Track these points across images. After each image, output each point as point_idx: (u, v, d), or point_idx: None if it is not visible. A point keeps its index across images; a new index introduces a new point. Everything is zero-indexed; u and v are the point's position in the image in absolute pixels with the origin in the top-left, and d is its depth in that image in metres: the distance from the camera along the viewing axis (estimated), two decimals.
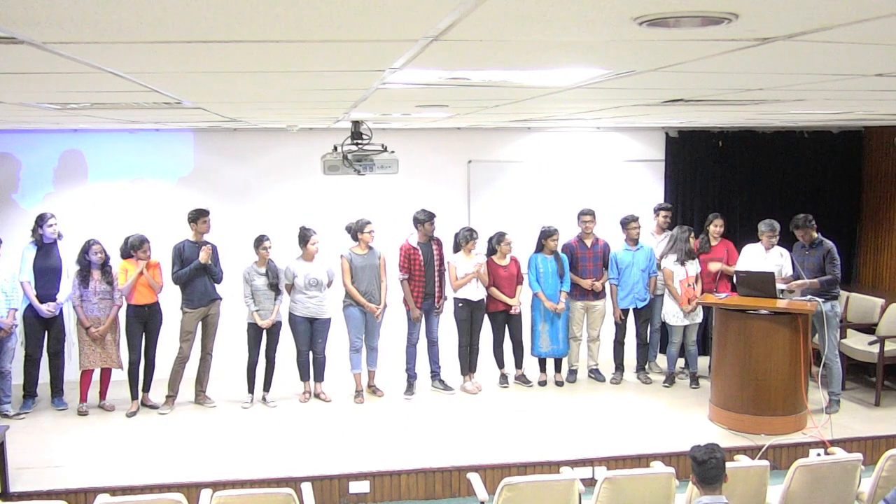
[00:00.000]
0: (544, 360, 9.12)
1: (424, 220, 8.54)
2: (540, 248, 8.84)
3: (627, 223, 8.98)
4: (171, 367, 8.28)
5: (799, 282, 7.94)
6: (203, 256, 8.11)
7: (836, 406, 8.08)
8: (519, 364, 9.08)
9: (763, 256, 8.48)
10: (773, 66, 3.05)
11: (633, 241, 8.98)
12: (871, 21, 2.00)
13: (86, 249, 8.02)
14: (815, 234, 8.00)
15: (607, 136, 10.11)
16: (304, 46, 2.46)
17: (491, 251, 8.81)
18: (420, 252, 8.54)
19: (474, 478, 5.82)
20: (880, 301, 9.14)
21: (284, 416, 8.17)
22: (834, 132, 10.45)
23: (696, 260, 8.83)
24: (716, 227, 9.09)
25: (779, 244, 8.46)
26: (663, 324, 9.11)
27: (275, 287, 8.23)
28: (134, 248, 8.03)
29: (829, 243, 7.99)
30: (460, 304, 8.72)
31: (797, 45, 2.36)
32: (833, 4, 1.85)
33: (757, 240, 8.52)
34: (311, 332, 8.43)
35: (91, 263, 8.04)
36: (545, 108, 6.01)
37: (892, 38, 2.32)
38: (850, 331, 8.99)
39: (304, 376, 8.61)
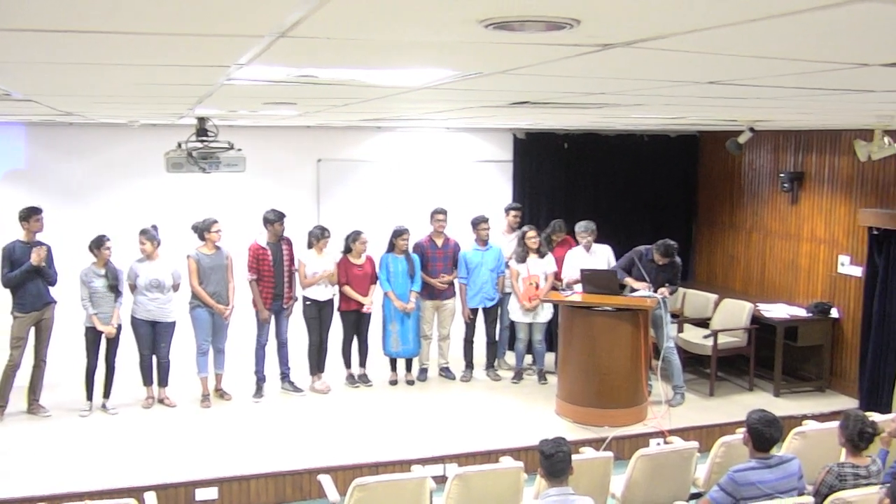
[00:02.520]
0: (395, 359, 9.15)
1: (274, 219, 8.40)
2: (391, 247, 8.86)
3: (478, 224, 9.11)
4: (0, 376, 7.81)
5: (662, 290, 8.23)
6: (35, 258, 7.67)
7: (680, 398, 8.47)
8: (362, 363, 9.08)
9: (587, 258, 8.81)
10: (614, 72, 3.16)
11: (483, 241, 9.12)
12: (704, 31, 2.11)
13: None
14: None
15: (457, 137, 10.24)
16: (144, 39, 2.36)
17: (347, 249, 8.76)
18: (269, 252, 8.40)
19: (325, 479, 5.77)
20: (714, 297, 9.65)
21: (126, 423, 7.85)
22: (671, 136, 10.96)
23: (548, 258, 9.04)
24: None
25: (611, 246, 8.84)
26: (511, 322, 9.32)
27: (115, 289, 7.89)
28: None
29: (678, 261, 8.42)
30: (308, 304, 8.63)
31: (636, 51, 2.45)
32: (668, 14, 1.93)
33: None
34: (153, 336, 8.14)
35: None
36: (394, 108, 6.02)
37: (723, 48, 2.44)
38: (686, 325, 9.44)
39: (146, 381, 8.29)
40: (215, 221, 8.22)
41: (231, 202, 9.22)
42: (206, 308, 8.22)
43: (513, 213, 9.63)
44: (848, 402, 8.51)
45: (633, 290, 8.25)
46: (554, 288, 8.91)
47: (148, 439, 7.45)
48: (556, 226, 9.44)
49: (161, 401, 8.34)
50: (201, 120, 7.01)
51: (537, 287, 8.93)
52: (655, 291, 8.13)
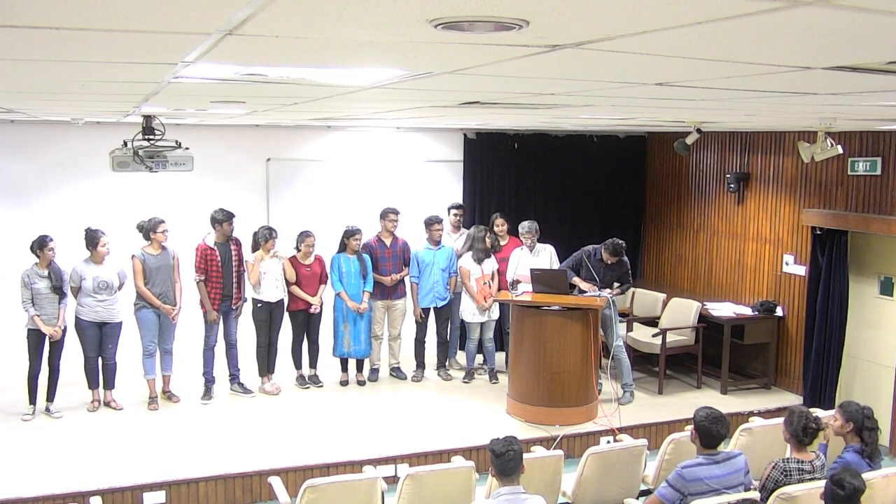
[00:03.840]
0: (346, 359, 9.11)
1: (222, 219, 8.31)
2: (343, 247, 8.82)
3: (431, 224, 9.11)
4: None
5: (608, 291, 8.30)
6: None
7: (630, 396, 8.56)
8: (313, 364, 9.04)
9: (531, 258, 8.87)
10: (563, 73, 3.18)
11: (435, 241, 9.13)
12: (652, 33, 2.13)
13: None
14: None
15: (408, 137, 10.23)
16: (87, 35, 2.32)
17: (297, 250, 8.70)
18: (217, 252, 8.30)
19: (275, 481, 5.73)
20: (662, 296, 9.78)
21: (71, 427, 7.70)
22: (621, 136, 11.07)
23: (493, 258, 9.09)
24: (498, 226, 9.38)
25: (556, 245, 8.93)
26: (462, 321, 9.34)
27: (58, 290, 7.74)
28: None
29: (626, 259, 8.49)
30: (259, 305, 8.56)
31: (584, 53, 2.47)
32: (616, 16, 1.95)
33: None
34: (99, 337, 8.00)
35: None
36: (345, 108, 6.00)
37: (670, 51, 2.47)
38: (635, 324, 9.56)
39: (92, 384, 8.15)
40: (161, 221, 8.11)
41: (178, 202, 9.10)
42: (152, 309, 8.11)
43: (454, 212, 9.66)
44: (792, 399, 8.69)
45: (582, 290, 8.30)
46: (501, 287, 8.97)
47: (94, 443, 7.32)
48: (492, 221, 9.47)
49: (107, 404, 8.20)
50: (148, 118, 6.92)
51: (490, 286, 8.97)
52: (603, 291, 8.21)
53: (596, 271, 8.31)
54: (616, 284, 8.47)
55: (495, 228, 9.32)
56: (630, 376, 8.62)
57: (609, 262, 8.33)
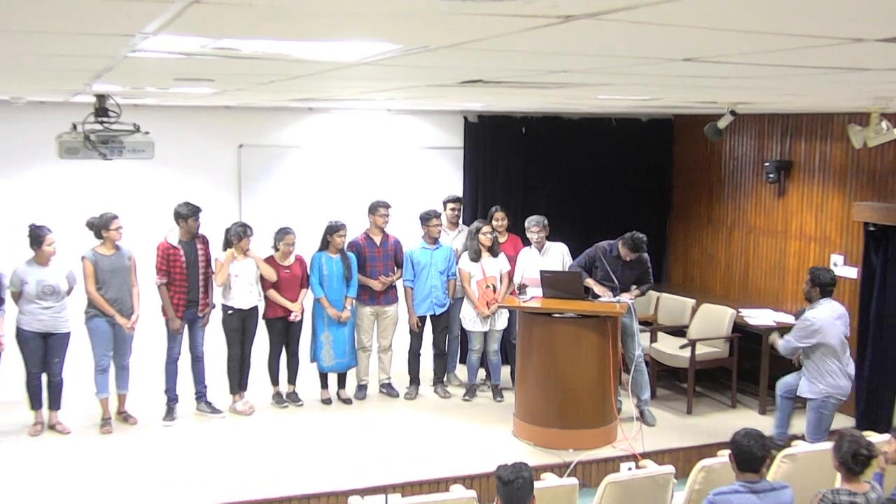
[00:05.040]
0: (327, 374, 9.12)
1: (187, 214, 8.31)
2: (325, 245, 8.83)
3: (428, 219, 9.10)
4: None
5: (628, 294, 8.30)
6: None
7: (649, 416, 8.54)
8: (292, 379, 9.05)
9: (540, 258, 8.87)
10: (578, 47, 3.18)
11: (433, 239, 9.14)
12: (679, 1, 2.13)
13: None
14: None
15: (400, 120, 10.23)
16: (30, 1, 2.32)
17: (275, 250, 8.70)
18: (181, 252, 8.30)
19: None
20: (691, 302, 9.76)
21: (8, 454, 7.69)
22: (643, 120, 11.08)
23: (502, 257, 9.08)
24: (497, 220, 9.36)
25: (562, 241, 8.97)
26: (463, 331, 9.35)
27: None
28: None
29: (645, 255, 8.48)
30: (230, 313, 8.56)
31: (602, 24, 2.47)
32: None
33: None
34: (44, 350, 8.01)
35: None
36: (328, 87, 5.99)
37: (700, 21, 2.47)
38: (660, 334, 9.56)
39: (35, 404, 8.15)
40: (115, 217, 8.11)
41: (136, 194, 9.09)
42: (105, 317, 8.10)
43: (450, 206, 9.66)
44: (842, 421, 8.64)
45: (597, 295, 8.29)
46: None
47: (36, 473, 7.31)
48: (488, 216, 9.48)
49: (52, 427, 8.20)
50: (101, 98, 6.91)
51: (494, 290, 8.98)
52: (622, 293, 8.21)
53: (613, 271, 8.31)
54: (634, 286, 8.46)
55: (493, 223, 9.31)
56: (648, 392, 8.60)
57: (627, 259, 8.33)
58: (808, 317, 7.44)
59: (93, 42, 3.28)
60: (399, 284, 9.26)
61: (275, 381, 9.02)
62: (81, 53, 3.76)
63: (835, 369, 7.43)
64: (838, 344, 7.43)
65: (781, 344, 7.77)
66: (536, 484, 4.75)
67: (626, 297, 8.19)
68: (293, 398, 9.05)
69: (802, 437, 7.51)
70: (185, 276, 8.32)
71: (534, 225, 8.89)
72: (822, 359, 7.42)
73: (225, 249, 8.53)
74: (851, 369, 7.57)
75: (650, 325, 9.62)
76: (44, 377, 8.12)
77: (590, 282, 8.35)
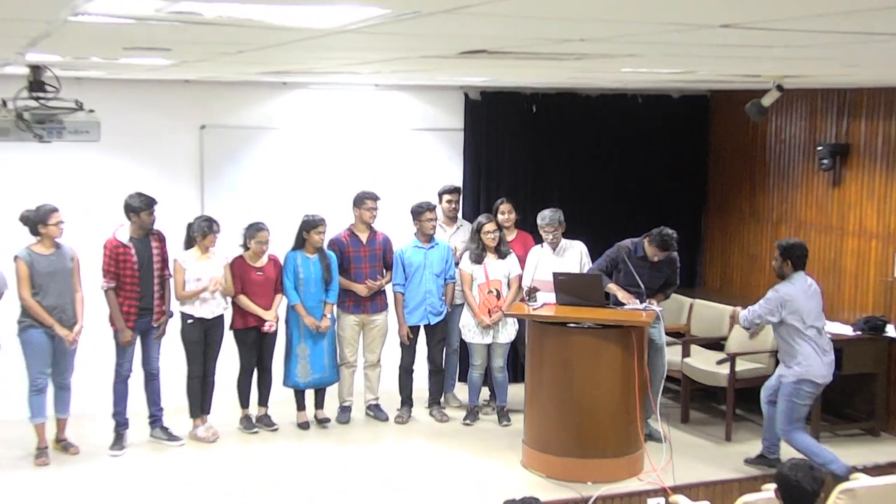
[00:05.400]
0: (303, 392, 9.12)
1: (140, 207, 8.29)
2: (300, 243, 8.84)
3: (421, 213, 9.10)
4: None
5: (657, 300, 8.32)
6: None
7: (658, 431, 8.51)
8: (264, 400, 9.05)
9: (554, 258, 8.86)
10: (597, 12, 3.18)
11: (427, 236, 9.14)
12: None
13: None
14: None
15: (390, 97, 10.23)
16: None
17: (247, 247, 8.72)
18: (133, 251, 8.29)
19: None
20: (730, 309, 9.71)
21: None
22: (674, 97, 11.09)
23: (511, 258, 9.07)
24: (502, 213, 9.38)
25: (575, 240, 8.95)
26: (463, 343, 9.35)
27: None
28: None
29: (675, 254, 8.51)
30: (190, 322, 8.56)
31: None
32: None
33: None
34: None
35: None
36: (305, 58, 6.00)
37: None
38: (693, 347, 9.55)
39: None
40: (55, 210, 8.09)
41: (79, 183, 9.10)
42: (42, 328, 8.09)
43: (447, 197, 9.66)
44: None
45: (619, 302, 8.29)
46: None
47: None
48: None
49: None
50: (36, 69, 6.91)
51: (498, 296, 8.98)
52: (649, 299, 8.20)
53: (639, 274, 8.31)
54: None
55: (499, 217, 9.32)
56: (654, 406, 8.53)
57: (655, 259, 8.34)
58: (779, 288, 7.79)
59: (26, 2, 3.28)
60: (388, 289, 9.27)
61: (244, 402, 9.01)
62: (12, 16, 3.75)
63: (809, 351, 7.67)
64: (813, 321, 7.72)
65: (744, 314, 8.01)
66: None
67: (656, 306, 8.19)
68: (265, 422, 9.05)
69: (862, 469, 7.52)
70: (137, 280, 8.30)
71: (548, 221, 8.88)
72: (795, 338, 7.70)
73: (187, 248, 8.52)
74: (831, 355, 7.84)
75: (681, 336, 9.62)
76: None
77: (612, 287, 8.33)
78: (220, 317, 8.69)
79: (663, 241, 8.25)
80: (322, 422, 9.16)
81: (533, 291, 8.51)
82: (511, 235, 9.40)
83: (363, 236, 9.11)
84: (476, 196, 10.41)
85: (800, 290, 7.72)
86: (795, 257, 7.78)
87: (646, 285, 8.28)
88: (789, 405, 7.73)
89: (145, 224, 8.34)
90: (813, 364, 7.67)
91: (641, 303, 8.19)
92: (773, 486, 4.98)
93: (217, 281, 8.51)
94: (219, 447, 8.66)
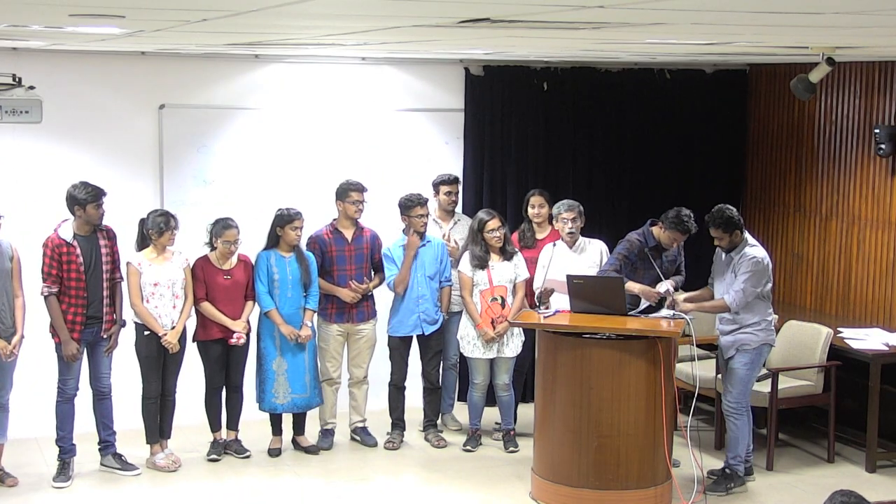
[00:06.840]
0: (280, 416, 9.13)
1: (86, 199, 8.28)
2: (274, 241, 8.84)
3: (410, 207, 9.10)
4: None
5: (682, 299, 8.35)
6: None
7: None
8: (233, 423, 9.07)
9: (571, 257, 8.86)
10: None
11: (419, 233, 9.14)
12: None
13: None
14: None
15: (379, 73, 10.25)
16: None
17: (212, 247, 8.72)
18: (78, 250, 8.28)
19: None
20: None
21: None
22: (707, 71, 11.11)
23: (517, 260, 9.08)
24: (533, 207, 9.39)
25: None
26: (462, 357, 9.37)
27: None
28: None
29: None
30: (146, 333, 8.55)
31: None
32: None
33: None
34: None
35: None
36: (281, 27, 6.00)
37: None
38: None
39: None
40: None
41: (17, 171, 9.11)
42: None
43: (445, 189, 9.66)
44: None
45: (652, 306, 8.29)
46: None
47: None
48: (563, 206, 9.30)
49: None
50: None
51: (503, 304, 8.98)
52: (682, 301, 8.21)
53: (664, 270, 8.36)
54: (672, 280, 8.48)
55: (530, 211, 9.33)
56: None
57: (673, 245, 8.37)
58: (752, 254, 8.12)
59: None
60: (377, 295, 9.29)
61: (214, 425, 9.02)
62: None
63: (771, 312, 8.44)
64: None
65: (731, 298, 8.11)
66: None
67: (689, 307, 8.17)
68: (235, 448, 9.05)
69: None
70: (84, 284, 8.28)
71: (566, 210, 8.86)
72: (766, 300, 8.31)
73: (140, 249, 8.52)
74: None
75: (715, 349, 9.62)
76: None
77: (634, 286, 8.26)
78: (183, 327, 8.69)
79: (683, 224, 8.19)
80: (305, 450, 9.15)
81: (547, 295, 8.47)
82: (543, 232, 9.37)
83: (348, 233, 9.11)
84: (478, 186, 10.42)
85: (763, 251, 8.30)
86: (741, 223, 8.16)
87: (667, 279, 8.36)
88: (748, 375, 8.24)
89: (92, 219, 8.32)
90: (771, 328, 8.24)
91: (665, 305, 8.21)
92: None
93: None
94: (180, 477, 8.66)
